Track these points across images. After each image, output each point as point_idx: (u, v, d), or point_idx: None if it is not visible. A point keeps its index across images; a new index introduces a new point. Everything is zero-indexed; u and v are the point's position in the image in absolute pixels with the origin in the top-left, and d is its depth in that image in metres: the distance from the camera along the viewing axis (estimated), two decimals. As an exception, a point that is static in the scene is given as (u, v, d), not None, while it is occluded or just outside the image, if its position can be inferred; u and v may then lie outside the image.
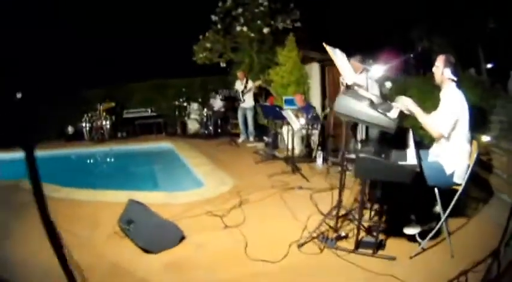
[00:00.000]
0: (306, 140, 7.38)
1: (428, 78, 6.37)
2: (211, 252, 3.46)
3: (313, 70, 9.08)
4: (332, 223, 3.87)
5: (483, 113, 4.90)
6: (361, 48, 8.75)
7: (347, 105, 2.86)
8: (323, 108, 8.80)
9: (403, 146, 3.31)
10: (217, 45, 10.05)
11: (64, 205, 4.67)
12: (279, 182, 5.73)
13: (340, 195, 3.77)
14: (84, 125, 9.73)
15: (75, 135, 9.84)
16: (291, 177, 6.06)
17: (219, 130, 10.76)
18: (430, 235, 3.32)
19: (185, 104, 11.09)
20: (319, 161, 6.97)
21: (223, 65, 10.34)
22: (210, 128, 10.65)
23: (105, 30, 11.32)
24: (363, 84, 5.49)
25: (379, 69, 3.39)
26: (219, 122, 10.76)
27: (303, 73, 8.78)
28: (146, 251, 3.39)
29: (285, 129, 7.84)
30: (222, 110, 10.69)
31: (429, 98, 5.24)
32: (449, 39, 6.37)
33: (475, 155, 3.18)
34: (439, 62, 3.38)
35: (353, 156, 3.46)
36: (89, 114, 9.81)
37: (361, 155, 2.71)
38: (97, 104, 10.03)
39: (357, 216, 3.76)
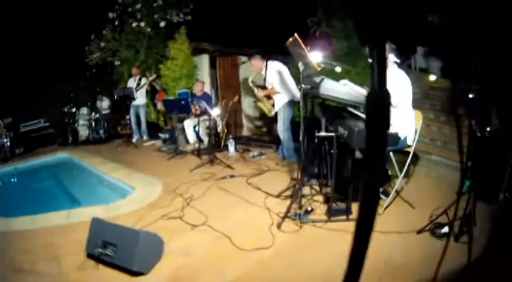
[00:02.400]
0: (214, 129, 7.41)
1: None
2: (203, 255, 3.32)
3: (203, 62, 9.14)
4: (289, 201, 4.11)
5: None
6: (256, 37, 9.16)
7: (333, 88, 3.10)
8: (217, 98, 8.98)
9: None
10: (113, 43, 9.36)
11: (9, 239, 3.87)
12: (206, 175, 5.72)
13: (301, 175, 3.99)
14: (-13, 145, 8.30)
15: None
16: (214, 168, 6.10)
17: (107, 133, 10.05)
18: (392, 193, 3.81)
19: (73, 109, 10.06)
20: (232, 148, 7.11)
21: (117, 63, 9.61)
22: (100, 132, 9.87)
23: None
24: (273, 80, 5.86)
25: (317, 55, 3.65)
26: (106, 124, 10.05)
27: (193, 65, 8.76)
28: (136, 274, 2.96)
29: (187, 122, 7.77)
30: (108, 111, 10.00)
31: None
32: (350, 21, 6.92)
33: (420, 121, 3.74)
34: None
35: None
36: None
37: (357, 129, 2.97)
38: None
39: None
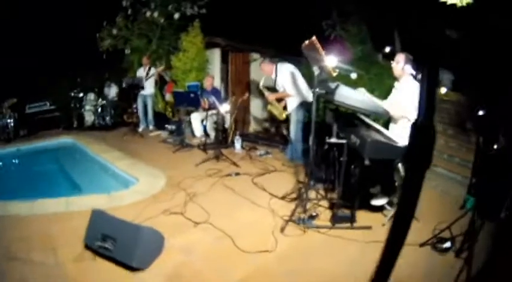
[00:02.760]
0: (222, 125, 7.34)
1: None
2: (204, 255, 3.27)
3: (214, 56, 9.05)
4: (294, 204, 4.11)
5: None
6: (269, 35, 9.10)
7: (349, 95, 3.03)
8: (227, 93, 8.91)
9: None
10: (125, 31, 9.25)
11: (5, 224, 3.80)
12: (211, 170, 5.67)
13: (309, 179, 3.93)
14: (-10, 125, 8.27)
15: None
16: (220, 165, 6.04)
17: (113, 120, 9.98)
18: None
19: (81, 94, 10.01)
20: (238, 145, 7.04)
21: (128, 51, 9.54)
22: (107, 118, 9.83)
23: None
24: (285, 82, 5.78)
25: (333, 59, 3.55)
26: (112, 111, 9.99)
27: (205, 59, 8.69)
28: (134, 269, 2.91)
29: (194, 115, 7.71)
30: (115, 99, 9.95)
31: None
32: (365, 25, 6.86)
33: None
34: (400, 58, 3.87)
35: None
36: None
37: (370, 139, 2.91)
38: (1, 102, 8.54)
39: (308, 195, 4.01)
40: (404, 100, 3.80)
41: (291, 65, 5.90)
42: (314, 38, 3.41)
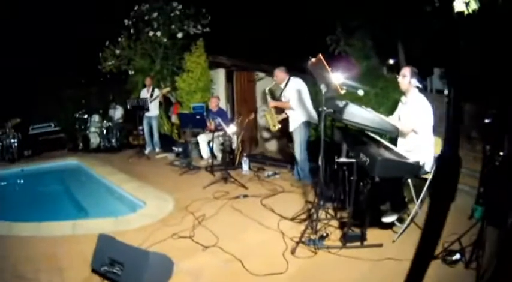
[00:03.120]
0: (229, 146, 7.29)
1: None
2: (213, 278, 3.21)
3: (219, 76, 9.06)
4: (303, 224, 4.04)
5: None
6: (274, 53, 9.14)
7: (358, 114, 3.00)
8: (233, 114, 8.89)
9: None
10: (128, 51, 9.30)
11: (11, 244, 3.83)
12: (219, 193, 5.60)
13: (318, 199, 3.85)
14: (-5, 145, 8.36)
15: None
16: (227, 187, 5.95)
17: (119, 143, 9.98)
18: (409, 220, 3.67)
19: (85, 116, 10.06)
20: (246, 167, 6.95)
21: (131, 72, 9.59)
22: (112, 140, 9.83)
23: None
24: (291, 96, 5.75)
25: (339, 76, 3.51)
26: (118, 133, 10.00)
27: (210, 79, 8.69)
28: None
29: (201, 137, 7.67)
30: (121, 121, 9.96)
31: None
32: (369, 40, 6.87)
33: (441, 148, 3.62)
34: (406, 72, 3.86)
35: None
36: None
37: (380, 157, 2.85)
38: (4, 121, 8.62)
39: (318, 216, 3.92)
40: (412, 114, 3.77)
41: (303, 82, 5.86)
42: (320, 55, 3.38)
